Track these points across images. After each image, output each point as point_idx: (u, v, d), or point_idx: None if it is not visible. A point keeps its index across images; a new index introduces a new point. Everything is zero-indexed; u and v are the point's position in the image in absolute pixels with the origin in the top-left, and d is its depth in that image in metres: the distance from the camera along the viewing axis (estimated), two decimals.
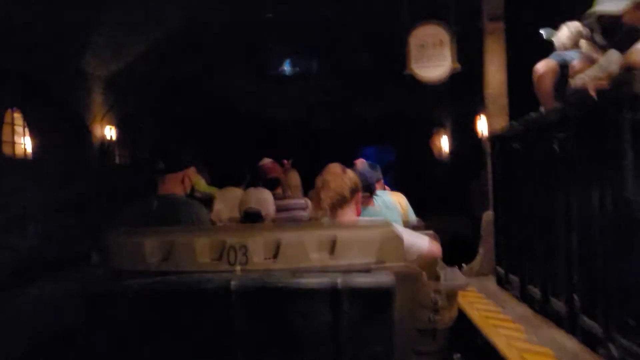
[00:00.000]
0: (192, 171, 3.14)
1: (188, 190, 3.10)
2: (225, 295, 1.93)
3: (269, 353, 2.01)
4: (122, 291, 2.00)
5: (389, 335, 1.98)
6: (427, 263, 2.50)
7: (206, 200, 3.55)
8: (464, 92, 9.27)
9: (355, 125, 14.72)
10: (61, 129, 8.85)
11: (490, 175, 5.28)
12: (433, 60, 6.42)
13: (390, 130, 14.75)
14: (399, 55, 6.52)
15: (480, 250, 5.55)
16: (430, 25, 6.46)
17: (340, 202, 2.60)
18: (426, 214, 4.85)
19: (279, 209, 3.76)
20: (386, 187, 4.46)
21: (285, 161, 5.66)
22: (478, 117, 8.62)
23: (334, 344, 1.96)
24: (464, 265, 5.51)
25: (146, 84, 10.46)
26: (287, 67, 12.93)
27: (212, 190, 3.76)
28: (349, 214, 2.64)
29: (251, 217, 3.40)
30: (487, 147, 5.39)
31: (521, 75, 4.07)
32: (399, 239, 2.17)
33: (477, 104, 8.39)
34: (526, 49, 4.49)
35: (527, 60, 3.80)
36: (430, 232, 2.83)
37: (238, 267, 2.04)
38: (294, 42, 11.85)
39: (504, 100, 5.64)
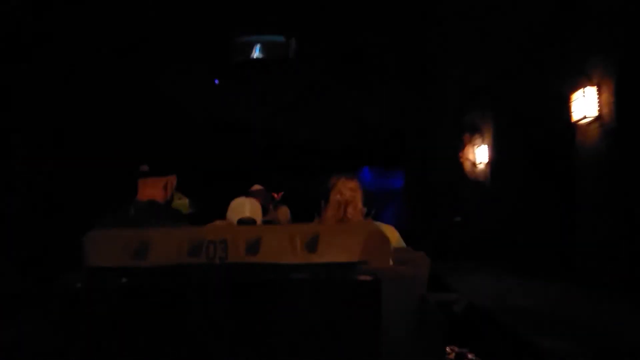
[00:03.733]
0: (174, 178, 3.77)
1: (169, 197, 3.74)
2: (204, 290, 2.43)
3: (250, 348, 2.44)
4: (98, 289, 2.50)
5: (373, 333, 2.42)
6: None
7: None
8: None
9: (350, 134, 14.50)
10: None
11: None
12: None
13: (399, 141, 14.47)
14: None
15: None
16: None
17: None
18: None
19: None
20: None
21: (275, 194, 6.69)
22: (578, 91, 7.34)
23: (315, 340, 2.41)
24: None
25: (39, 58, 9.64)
26: (257, 53, 12.63)
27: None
28: None
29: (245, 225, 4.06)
30: None
31: None
32: (384, 239, 2.70)
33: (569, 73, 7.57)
34: None
35: None
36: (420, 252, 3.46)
37: (217, 261, 2.51)
38: (266, 17, 11.67)
39: None
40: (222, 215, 4.56)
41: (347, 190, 3.44)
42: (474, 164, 12.00)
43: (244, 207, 4.16)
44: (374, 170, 16.90)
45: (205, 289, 2.39)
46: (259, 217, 4.18)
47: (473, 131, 12.00)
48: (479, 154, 11.73)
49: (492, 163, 11.34)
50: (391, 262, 2.73)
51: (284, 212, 6.71)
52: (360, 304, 2.41)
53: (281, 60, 12.40)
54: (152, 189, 3.62)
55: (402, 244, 4.52)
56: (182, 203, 4.31)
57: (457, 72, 11.23)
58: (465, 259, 10.80)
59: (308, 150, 14.61)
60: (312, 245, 2.50)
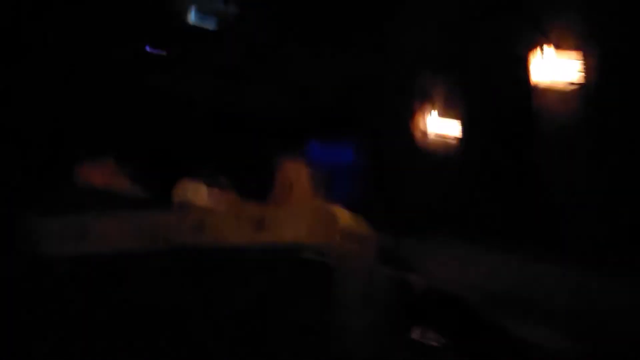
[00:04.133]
0: (114, 163, 4.00)
1: (109, 182, 3.89)
2: (149, 275, 2.58)
3: (199, 331, 2.59)
4: (39, 277, 2.62)
5: (322, 313, 2.60)
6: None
7: None
8: None
9: (295, 104, 13.52)
10: None
11: None
12: None
13: (350, 110, 13.64)
14: None
15: None
16: None
17: None
18: None
19: None
20: None
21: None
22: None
23: (264, 322, 2.63)
24: None
25: None
26: (194, 17, 11.87)
27: None
28: None
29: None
30: None
31: None
32: (332, 218, 2.96)
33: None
34: None
35: None
36: None
37: (164, 244, 2.64)
38: None
39: None
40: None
41: (293, 172, 3.61)
42: (426, 134, 11.47)
43: (184, 190, 4.37)
44: (321, 143, 16.27)
45: (151, 273, 2.50)
46: (198, 200, 4.32)
47: (424, 98, 11.49)
48: (432, 123, 11.23)
49: (449, 132, 10.88)
50: (339, 241, 2.90)
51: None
52: (308, 283, 2.55)
53: (219, 22, 11.97)
54: (92, 174, 3.76)
55: (352, 222, 4.55)
56: (125, 186, 4.43)
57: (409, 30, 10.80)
58: (421, 234, 10.01)
59: (249, 122, 13.55)
60: (258, 226, 2.62)
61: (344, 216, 4.60)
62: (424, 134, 11.57)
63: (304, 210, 2.83)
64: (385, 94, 12.58)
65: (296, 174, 3.65)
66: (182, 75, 12.61)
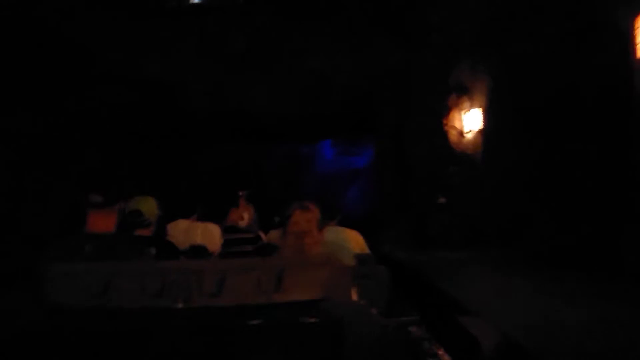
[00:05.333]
0: (124, 204, 4.13)
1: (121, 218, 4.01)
2: (166, 334, 2.53)
3: None
4: (57, 330, 2.53)
5: None
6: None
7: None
8: None
9: (307, 98, 12.23)
10: None
11: None
12: None
13: (368, 105, 12.33)
14: None
15: None
16: None
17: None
18: None
19: (226, 244, 5.36)
20: None
21: (240, 192, 7.23)
22: None
23: None
24: None
25: None
26: None
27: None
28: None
29: (197, 253, 4.66)
30: None
31: None
32: (347, 274, 3.00)
33: None
34: None
35: None
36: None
37: (180, 304, 2.60)
38: None
39: None
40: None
41: (304, 222, 3.59)
42: (461, 133, 10.18)
43: (196, 233, 4.67)
44: (338, 142, 15.07)
45: (168, 334, 2.45)
46: (212, 242, 4.65)
47: (460, 92, 10.19)
48: (468, 121, 9.97)
49: (485, 131, 9.61)
50: (353, 296, 3.00)
51: (249, 211, 7.52)
52: (323, 343, 2.49)
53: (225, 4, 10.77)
54: (105, 221, 3.62)
55: (366, 249, 4.87)
56: (149, 206, 4.57)
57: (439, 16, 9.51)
58: (452, 250, 9.02)
59: (260, 116, 12.55)
60: (276, 284, 2.60)
61: (357, 243, 4.91)
62: (459, 133, 10.21)
63: (320, 267, 2.66)
64: (412, 89, 11.13)
65: (307, 223, 3.59)
66: (183, 63, 11.36)
